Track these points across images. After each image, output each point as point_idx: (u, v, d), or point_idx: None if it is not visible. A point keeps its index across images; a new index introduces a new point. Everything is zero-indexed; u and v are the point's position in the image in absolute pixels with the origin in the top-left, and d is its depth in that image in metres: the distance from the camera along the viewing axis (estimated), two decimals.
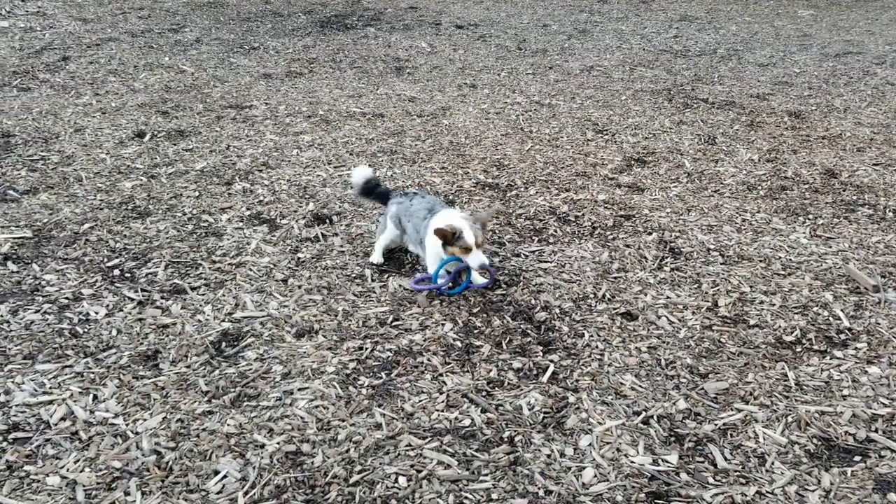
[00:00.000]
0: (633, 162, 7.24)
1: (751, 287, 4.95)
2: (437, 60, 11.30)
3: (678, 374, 4.06)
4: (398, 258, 5.25)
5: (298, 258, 5.25)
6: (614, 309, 4.68)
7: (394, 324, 4.49)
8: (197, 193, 6.29)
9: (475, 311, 4.64)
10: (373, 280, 4.98)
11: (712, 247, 5.51)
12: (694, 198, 6.40)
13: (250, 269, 5.07)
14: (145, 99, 8.91)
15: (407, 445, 3.50)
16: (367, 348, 4.23)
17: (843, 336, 4.44)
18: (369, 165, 6.88)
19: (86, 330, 4.36)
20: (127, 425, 3.59)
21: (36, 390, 3.81)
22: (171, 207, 6.02)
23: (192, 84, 9.61)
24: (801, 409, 3.78)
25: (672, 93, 9.70)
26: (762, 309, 4.70)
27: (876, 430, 3.65)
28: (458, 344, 4.29)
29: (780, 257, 5.38)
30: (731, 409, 3.79)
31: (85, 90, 9.29)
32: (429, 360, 4.13)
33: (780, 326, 4.51)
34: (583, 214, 6.01)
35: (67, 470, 3.32)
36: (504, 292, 4.85)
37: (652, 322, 4.54)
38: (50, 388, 3.84)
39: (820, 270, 5.20)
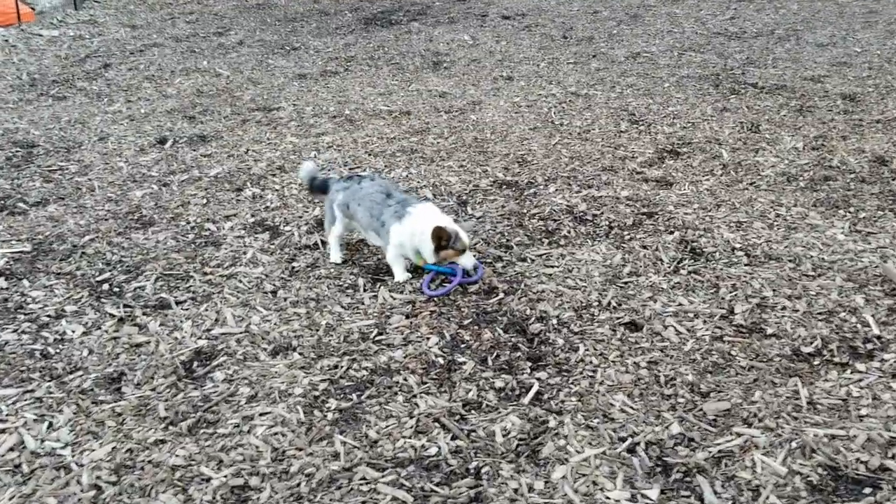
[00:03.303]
0: (665, 154, 6.80)
1: (774, 291, 4.51)
2: (477, 53, 10.97)
3: (677, 393, 3.68)
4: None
5: (293, 267, 5.03)
6: (618, 318, 4.31)
7: (377, 338, 4.22)
8: (205, 201, 6.13)
9: (466, 322, 4.33)
10: (364, 290, 4.72)
11: (738, 246, 5.07)
12: (726, 192, 5.95)
13: (240, 281, 4.86)
14: (175, 104, 8.83)
15: (361, 479, 3.23)
16: (342, 367, 3.98)
17: (869, 346, 3.98)
18: (384, 166, 6.62)
19: (58, 351, 4.22)
20: (73, 456, 3.41)
21: None
22: (175, 216, 5.86)
23: (225, 88, 9.51)
24: (810, 432, 3.37)
25: (720, 78, 9.16)
26: (782, 316, 4.27)
27: (893, 457, 3.21)
28: (441, 361, 3.99)
29: (811, 256, 4.91)
30: (730, 434, 3.41)
31: (118, 97, 9.27)
32: (405, 379, 3.85)
33: (799, 336, 4.07)
34: (601, 213, 5.63)
35: None
36: (500, 300, 4.53)
37: (657, 333, 4.16)
38: (6, 415, 3.68)
39: (854, 270, 4.72)
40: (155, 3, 15.68)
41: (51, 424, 3.63)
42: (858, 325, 4.16)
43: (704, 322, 4.23)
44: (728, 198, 5.82)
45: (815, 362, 3.86)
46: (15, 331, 4.43)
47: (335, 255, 5.04)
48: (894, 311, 4.27)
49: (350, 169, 6.68)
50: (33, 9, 14.95)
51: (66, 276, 5.03)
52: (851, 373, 3.77)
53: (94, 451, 3.43)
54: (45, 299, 4.75)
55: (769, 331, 4.14)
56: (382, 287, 4.72)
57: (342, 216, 4.91)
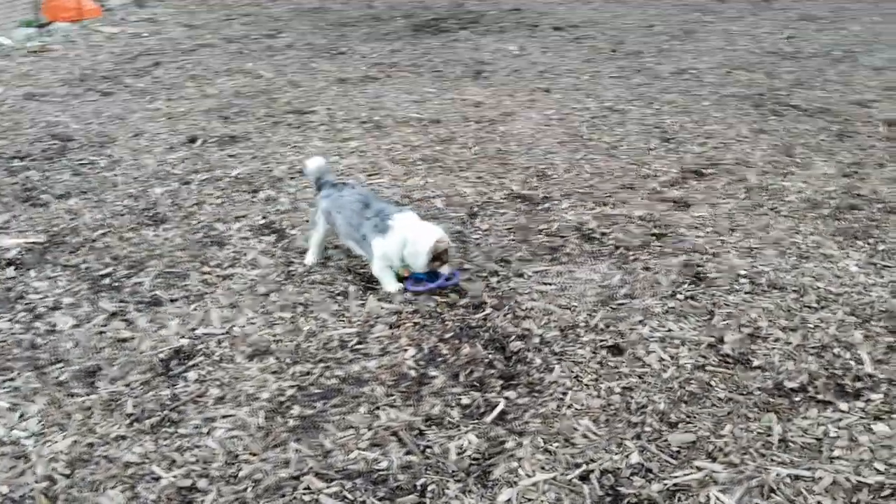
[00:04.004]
0: (689, 174, 6.66)
1: (770, 322, 4.37)
2: (521, 64, 10.92)
3: (644, 422, 3.58)
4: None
5: (289, 271, 5.05)
6: (601, 341, 4.22)
7: (355, 347, 4.21)
8: (220, 201, 6.21)
9: (447, 336, 4.29)
10: (354, 298, 4.71)
11: (743, 273, 4.93)
12: (744, 216, 5.79)
13: (235, 282, 4.90)
14: (213, 104, 8.97)
15: (306, 488, 3.21)
16: (314, 374, 3.98)
17: (859, 384, 3.83)
18: (406, 173, 6.62)
19: (46, 342, 4.30)
20: (35, 447, 3.46)
21: None
22: (189, 215, 5.95)
23: (264, 89, 9.62)
24: (773, 471, 3.25)
25: (763, 98, 8.95)
26: (773, 348, 4.13)
27: None
28: (413, 373, 3.96)
29: (818, 287, 4.75)
30: (691, 467, 3.30)
31: (160, 95, 9.45)
32: (372, 390, 3.83)
33: (786, 370, 3.94)
34: (610, 232, 5.54)
35: None
36: (487, 315, 4.48)
37: (639, 358, 4.07)
38: None
39: (859, 304, 4.55)
40: (214, 4, 15.97)
41: (23, 414, 3.69)
42: (852, 362, 4.01)
43: (690, 350, 4.12)
44: (745, 222, 5.67)
45: (797, 398, 3.73)
46: (10, 320, 4.53)
47: (311, 256, 5.10)
48: (894, 350, 4.09)
49: (368, 175, 6.69)
50: (102, 6, 15.38)
51: (71, 268, 5.13)
52: (833, 411, 3.63)
53: (56, 442, 3.49)
54: (47, 290, 4.85)
55: (755, 363, 4.01)
56: (372, 296, 4.71)
57: (324, 222, 4.93)
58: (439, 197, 6.21)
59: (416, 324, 4.42)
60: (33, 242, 5.52)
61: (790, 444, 3.43)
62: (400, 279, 4.75)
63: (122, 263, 5.18)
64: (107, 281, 4.96)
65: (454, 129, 7.94)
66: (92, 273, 5.05)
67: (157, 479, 3.28)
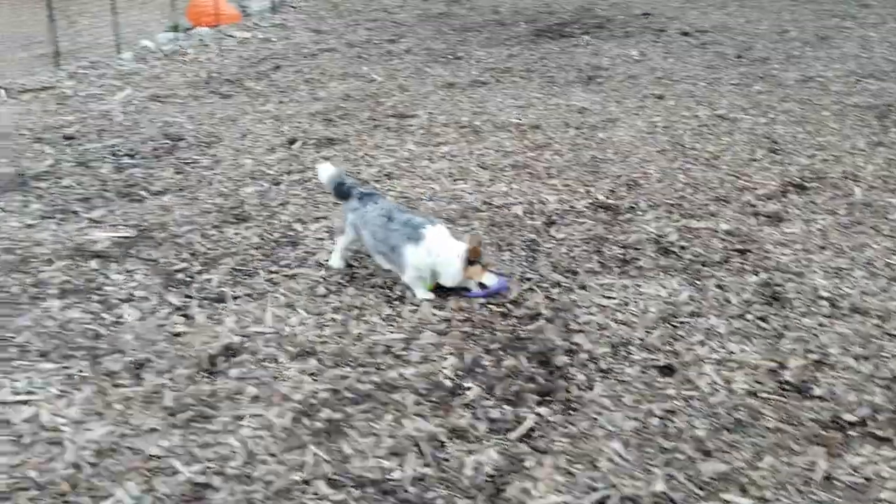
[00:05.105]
0: (790, 187, 6.28)
1: (842, 348, 4.05)
2: (638, 69, 10.62)
3: (677, 448, 3.38)
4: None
5: (353, 273, 5.06)
6: (653, 360, 4.02)
7: (398, 353, 4.17)
8: (304, 202, 6.30)
9: (493, 346, 4.19)
10: (409, 302, 4.67)
11: (826, 294, 4.60)
12: (840, 234, 5.41)
13: (298, 282, 4.95)
14: (320, 107, 9.15)
15: (314, 493, 3.19)
16: (351, 378, 3.95)
17: None
18: (486, 180, 6.53)
19: (110, 332, 4.46)
20: (71, 434, 3.58)
21: (19, 389, 3.91)
22: (272, 214, 6.07)
23: (372, 93, 9.74)
24: None
25: (889, 109, 8.36)
26: (838, 377, 3.82)
27: None
28: (448, 383, 3.88)
29: None
30: (717, 500, 3.08)
31: (274, 97, 9.72)
32: (403, 398, 3.77)
33: (846, 401, 3.63)
34: (690, 246, 5.29)
35: None
36: (539, 327, 4.34)
37: (689, 380, 3.85)
38: (36, 388, 3.93)
39: None
40: (344, 10, 16.33)
41: (70, 401, 3.83)
42: None
43: (746, 374, 3.86)
44: (838, 241, 5.29)
45: (852, 433, 3.43)
46: (83, 310, 4.73)
47: (336, 260, 5.11)
48: None
49: (453, 181, 6.64)
50: (244, 11, 16.02)
51: (150, 262, 5.31)
52: (890, 450, 3.31)
53: (91, 431, 3.60)
54: (122, 283, 5.05)
55: (816, 392, 3.72)
56: (427, 302, 4.65)
57: (352, 232, 4.93)
58: (520, 204, 6.09)
59: (464, 332, 4.33)
60: (122, 236, 5.75)
61: (834, 482, 3.16)
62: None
63: (198, 260, 5.33)
64: (179, 276, 5.11)
65: (552, 136, 7.79)
66: (167, 268, 5.22)
67: (175, 473, 3.33)
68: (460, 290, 4.71)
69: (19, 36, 12.19)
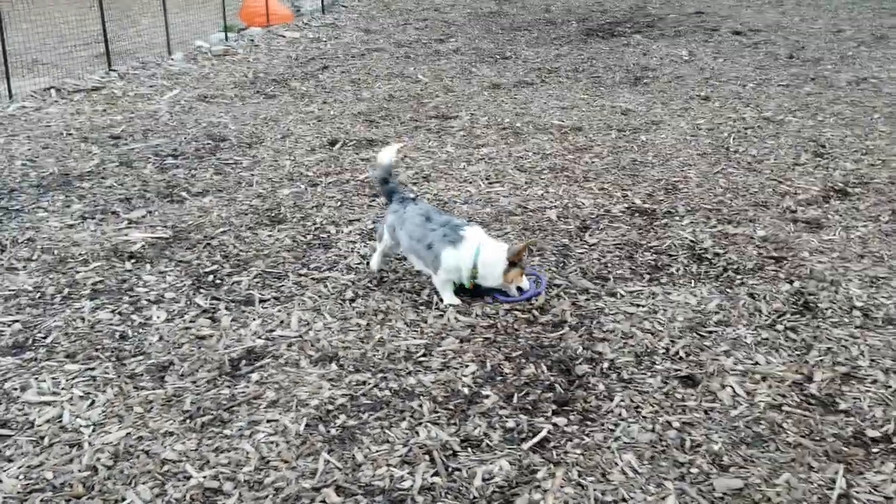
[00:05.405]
0: (832, 193, 6.10)
1: (872, 361, 3.90)
2: (687, 70, 10.44)
3: (693, 462, 3.28)
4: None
5: (381, 277, 5.04)
6: (676, 371, 3.92)
7: (419, 359, 4.14)
8: (339, 204, 6.31)
9: (515, 354, 4.13)
10: (435, 308, 4.64)
11: (859, 304, 4.44)
12: (881, 242, 5.23)
13: (326, 286, 4.95)
14: (364, 108, 9.17)
15: (322, 501, 3.17)
16: (370, 384, 3.93)
17: None
18: (523, 183, 6.46)
19: (136, 334, 4.51)
20: (90, 436, 3.61)
21: (45, 390, 3.97)
22: (306, 216, 6.08)
23: (417, 94, 9.73)
24: None
25: None
26: (866, 391, 3.68)
27: None
28: (466, 391, 3.83)
29: None
30: None
31: (318, 98, 9.78)
32: (420, 405, 3.74)
33: (873, 416, 3.49)
34: (724, 252, 5.16)
35: (7, 474, 3.39)
36: (563, 335, 4.27)
37: (711, 392, 3.74)
38: (60, 388, 3.98)
39: None
40: (395, 10, 16.36)
41: (92, 403, 3.88)
42: None
43: (770, 386, 3.74)
44: (878, 249, 5.11)
45: (875, 449, 3.29)
46: (113, 311, 4.79)
47: (375, 263, 5.09)
48: None
49: (489, 183, 6.59)
50: (297, 11, 16.17)
51: (183, 264, 5.36)
52: None
53: (109, 433, 3.63)
54: (154, 284, 5.10)
55: (841, 406, 3.58)
56: (452, 307, 4.61)
57: (388, 236, 4.89)
58: (555, 208, 6.01)
59: (486, 339, 4.28)
60: (158, 237, 5.81)
61: (853, 500, 3.03)
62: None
63: (230, 261, 5.36)
64: (209, 278, 5.14)
65: (593, 138, 7.69)
66: (199, 270, 5.25)
67: (188, 477, 3.34)
68: (492, 294, 4.65)
69: (84, 34, 12.44)
